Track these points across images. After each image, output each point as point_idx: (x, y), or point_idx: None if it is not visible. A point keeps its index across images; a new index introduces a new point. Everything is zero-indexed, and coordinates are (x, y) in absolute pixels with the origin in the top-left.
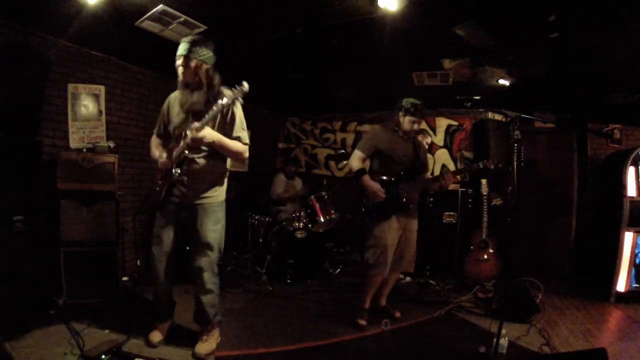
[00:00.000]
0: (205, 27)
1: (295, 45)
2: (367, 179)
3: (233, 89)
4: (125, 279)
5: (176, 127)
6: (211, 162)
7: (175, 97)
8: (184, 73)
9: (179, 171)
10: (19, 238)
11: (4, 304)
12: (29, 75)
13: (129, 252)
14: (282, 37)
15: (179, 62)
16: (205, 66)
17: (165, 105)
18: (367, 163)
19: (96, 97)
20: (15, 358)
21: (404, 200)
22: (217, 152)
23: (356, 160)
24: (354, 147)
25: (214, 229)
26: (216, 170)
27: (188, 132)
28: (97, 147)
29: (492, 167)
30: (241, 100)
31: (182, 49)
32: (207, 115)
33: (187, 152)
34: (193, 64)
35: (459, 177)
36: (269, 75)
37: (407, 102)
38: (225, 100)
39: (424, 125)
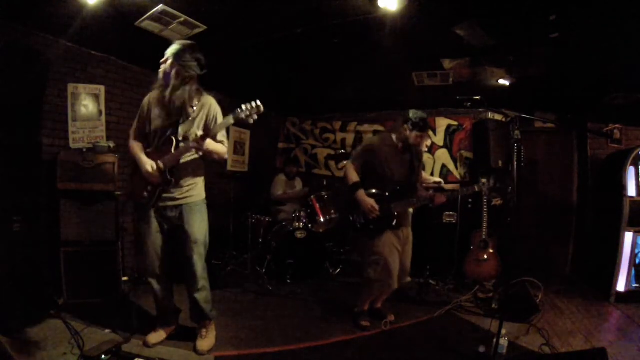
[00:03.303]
0: (205, 27)
1: (295, 45)
2: (362, 194)
3: (248, 104)
4: (125, 279)
5: (159, 129)
6: (195, 162)
7: (154, 98)
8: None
9: (172, 180)
10: (19, 238)
11: (4, 304)
12: (29, 75)
13: (129, 252)
14: (282, 37)
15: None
16: (188, 72)
17: (145, 107)
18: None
19: (96, 97)
20: (15, 358)
21: (395, 221)
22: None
23: (352, 172)
24: (354, 147)
25: (201, 225)
26: (198, 169)
27: (191, 141)
28: (97, 147)
29: (485, 188)
30: (255, 117)
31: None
32: (196, 121)
33: (181, 159)
34: (180, 69)
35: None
36: (269, 75)
37: (414, 115)
38: (237, 113)
39: None
